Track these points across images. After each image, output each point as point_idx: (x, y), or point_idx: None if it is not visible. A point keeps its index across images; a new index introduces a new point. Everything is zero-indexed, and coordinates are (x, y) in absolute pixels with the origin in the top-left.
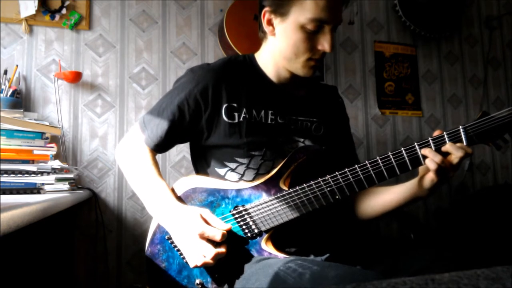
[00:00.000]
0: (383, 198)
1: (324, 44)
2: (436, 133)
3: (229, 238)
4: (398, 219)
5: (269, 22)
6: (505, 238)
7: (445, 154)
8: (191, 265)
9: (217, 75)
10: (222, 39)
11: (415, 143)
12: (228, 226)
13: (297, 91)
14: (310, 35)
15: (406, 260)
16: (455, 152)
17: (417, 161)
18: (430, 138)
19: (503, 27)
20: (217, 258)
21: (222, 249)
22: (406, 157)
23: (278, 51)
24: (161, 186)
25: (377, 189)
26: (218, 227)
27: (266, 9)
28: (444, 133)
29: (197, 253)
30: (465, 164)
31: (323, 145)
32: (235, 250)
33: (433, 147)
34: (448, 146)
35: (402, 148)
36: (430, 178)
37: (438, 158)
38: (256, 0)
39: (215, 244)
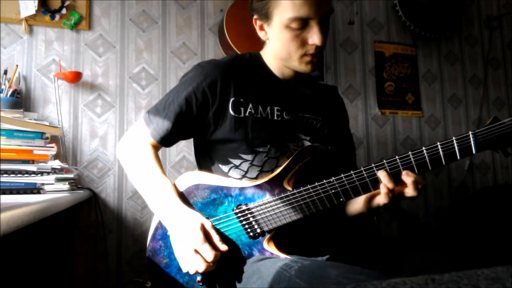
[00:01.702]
0: (353, 207)
1: (314, 38)
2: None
3: (232, 237)
4: (398, 219)
5: (261, 28)
6: (505, 238)
7: (400, 181)
8: (184, 270)
9: (226, 70)
10: (222, 39)
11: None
12: (225, 247)
13: (303, 89)
14: (298, 32)
15: (406, 260)
16: (408, 185)
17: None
18: (386, 160)
19: (503, 27)
20: (208, 270)
21: (211, 265)
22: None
23: (274, 53)
24: (165, 184)
25: None
26: (216, 245)
27: (255, 16)
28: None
29: (189, 263)
30: (465, 164)
31: (328, 144)
32: (236, 250)
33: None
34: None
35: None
36: (377, 201)
37: (391, 185)
38: None
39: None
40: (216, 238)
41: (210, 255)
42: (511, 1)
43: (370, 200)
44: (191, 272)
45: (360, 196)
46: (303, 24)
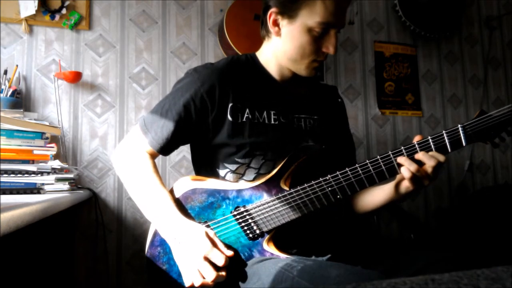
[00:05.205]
0: (373, 198)
1: (329, 47)
2: (417, 138)
3: (231, 240)
4: (398, 219)
5: (275, 23)
6: (505, 238)
7: (421, 163)
8: (187, 283)
9: (223, 74)
10: (222, 39)
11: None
12: (231, 252)
13: (299, 89)
14: (316, 38)
15: (406, 260)
16: (427, 161)
17: (393, 170)
18: (402, 147)
19: (503, 27)
20: (216, 281)
21: (223, 273)
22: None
23: (283, 52)
24: (164, 197)
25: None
26: (223, 252)
27: (273, 9)
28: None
29: (197, 273)
30: (465, 164)
31: (324, 143)
32: (236, 255)
33: (405, 155)
34: (420, 155)
35: (390, 152)
36: (405, 185)
37: (413, 167)
38: (256, 0)
39: (216, 266)
40: (221, 245)
41: (221, 258)
42: (511, 1)
43: (397, 185)
44: (198, 283)
45: (357, 192)
46: (324, 30)
